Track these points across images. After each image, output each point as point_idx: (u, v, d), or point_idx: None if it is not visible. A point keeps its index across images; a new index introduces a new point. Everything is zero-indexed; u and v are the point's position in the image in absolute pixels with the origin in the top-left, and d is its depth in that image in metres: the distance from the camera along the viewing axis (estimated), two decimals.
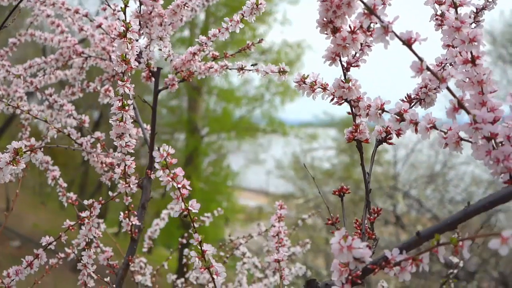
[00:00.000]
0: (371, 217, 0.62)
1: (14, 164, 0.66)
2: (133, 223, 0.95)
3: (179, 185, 0.61)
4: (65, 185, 1.09)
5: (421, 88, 0.67)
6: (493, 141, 0.52)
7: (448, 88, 0.50)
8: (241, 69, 0.93)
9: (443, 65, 0.68)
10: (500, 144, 0.51)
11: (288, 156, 10.09)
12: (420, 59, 0.50)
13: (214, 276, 0.63)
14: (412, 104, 0.67)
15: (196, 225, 0.64)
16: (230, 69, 0.96)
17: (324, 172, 10.05)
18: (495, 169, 0.50)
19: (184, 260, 1.39)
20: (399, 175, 6.79)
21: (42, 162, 1.12)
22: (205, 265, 0.64)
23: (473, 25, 0.71)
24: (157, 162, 0.60)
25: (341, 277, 0.53)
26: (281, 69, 0.82)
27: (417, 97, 0.67)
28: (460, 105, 0.51)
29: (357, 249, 0.49)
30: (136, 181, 0.89)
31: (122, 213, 0.95)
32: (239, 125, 11.37)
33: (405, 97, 0.68)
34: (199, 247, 0.63)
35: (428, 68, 0.50)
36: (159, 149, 0.60)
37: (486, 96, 0.53)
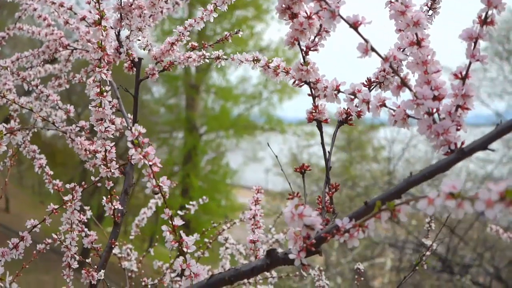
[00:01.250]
0: (330, 192, 0.66)
1: None
2: (116, 207, 0.99)
3: (151, 163, 0.65)
4: (51, 172, 1.13)
5: (380, 71, 0.71)
6: (436, 116, 0.56)
7: (391, 67, 0.54)
8: (217, 58, 0.97)
9: (401, 49, 0.72)
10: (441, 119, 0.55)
11: (286, 153, 10.11)
12: (366, 40, 0.54)
13: (184, 249, 0.67)
14: (372, 87, 0.71)
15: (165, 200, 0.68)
16: (208, 58, 1.00)
17: (322, 169, 10.07)
18: (436, 142, 0.54)
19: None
20: (394, 170, 6.84)
21: (29, 151, 1.16)
22: (176, 239, 0.68)
23: (430, 11, 0.75)
24: (129, 141, 0.64)
25: (296, 245, 0.57)
26: (255, 58, 0.86)
27: (377, 80, 0.71)
28: (403, 83, 0.54)
29: (307, 216, 0.53)
30: (117, 166, 0.93)
31: (104, 198, 0.99)
32: (237, 123, 11.41)
33: (365, 80, 0.71)
34: (170, 222, 0.67)
35: (372, 49, 0.54)
36: (131, 129, 0.64)
37: (431, 75, 0.56)
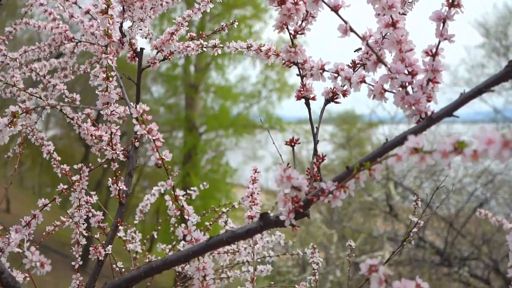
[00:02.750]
0: (318, 163, 0.73)
1: (12, 125, 0.76)
2: (121, 188, 1.06)
3: (154, 138, 0.72)
4: (59, 158, 1.20)
5: (363, 54, 0.77)
6: (410, 88, 0.62)
7: (368, 45, 0.61)
8: (214, 46, 1.04)
9: (383, 34, 0.78)
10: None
11: (285, 150, 10.14)
12: (345, 21, 0.60)
13: (186, 217, 0.74)
14: (357, 68, 0.78)
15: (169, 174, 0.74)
16: (205, 47, 1.06)
17: (323, 167, 10.15)
18: (408, 112, 0.61)
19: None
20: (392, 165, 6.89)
21: (37, 138, 1.22)
22: (178, 207, 0.74)
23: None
24: (134, 118, 0.70)
25: (286, 206, 0.63)
26: (249, 45, 0.92)
27: (361, 62, 0.77)
28: (379, 59, 0.61)
29: (295, 179, 0.60)
30: (122, 148, 1.00)
31: (110, 179, 1.05)
32: (237, 122, 11.47)
33: (350, 62, 0.78)
34: (173, 192, 0.74)
35: (351, 29, 0.60)
36: (136, 107, 0.70)
37: (405, 53, 0.63)
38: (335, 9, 0.60)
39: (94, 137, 1.11)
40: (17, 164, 1.33)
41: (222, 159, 11.58)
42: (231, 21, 1.07)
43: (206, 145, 11.52)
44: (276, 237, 1.40)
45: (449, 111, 0.57)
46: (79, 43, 1.28)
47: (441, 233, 6.63)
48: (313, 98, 0.74)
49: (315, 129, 0.74)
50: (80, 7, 1.17)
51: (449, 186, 7.06)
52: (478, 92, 0.56)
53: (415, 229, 1.14)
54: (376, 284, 0.50)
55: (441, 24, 0.61)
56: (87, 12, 1.15)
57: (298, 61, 0.71)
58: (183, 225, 0.74)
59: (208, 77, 11.72)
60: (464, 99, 0.56)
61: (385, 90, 0.64)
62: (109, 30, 0.80)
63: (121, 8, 1.04)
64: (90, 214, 1.10)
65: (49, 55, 1.28)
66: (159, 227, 1.78)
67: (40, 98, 1.07)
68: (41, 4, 1.27)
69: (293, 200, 0.63)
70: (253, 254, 0.87)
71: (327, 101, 0.77)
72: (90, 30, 1.24)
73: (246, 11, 10.94)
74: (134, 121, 0.71)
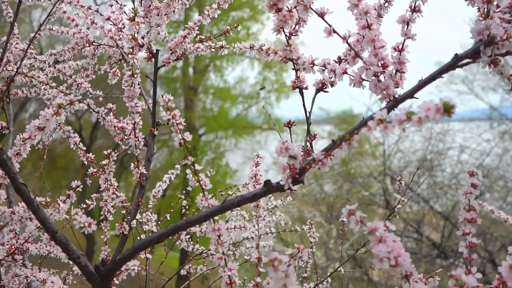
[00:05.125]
0: (310, 139, 0.89)
1: (57, 115, 0.92)
2: (142, 171, 1.22)
3: (177, 122, 0.88)
4: (84, 148, 1.36)
5: (347, 50, 0.93)
6: (382, 77, 0.79)
7: (347, 43, 0.77)
8: (221, 47, 1.20)
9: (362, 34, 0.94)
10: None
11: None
12: (329, 25, 0.77)
13: (203, 187, 0.90)
14: (342, 62, 0.94)
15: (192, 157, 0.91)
16: (213, 48, 1.22)
17: None
18: (380, 96, 0.77)
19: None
20: (388, 160, 7.07)
21: (64, 131, 1.39)
22: (197, 179, 0.90)
23: (386, 4, 0.97)
24: (161, 105, 0.87)
25: (285, 173, 0.79)
26: (251, 45, 1.09)
27: (345, 57, 0.94)
28: (356, 55, 0.77)
29: (291, 149, 0.76)
30: (143, 136, 1.16)
31: (132, 164, 1.21)
32: (236, 123, 11.63)
33: (337, 58, 0.94)
34: (193, 167, 0.90)
35: (334, 31, 0.76)
36: (162, 96, 0.86)
37: (378, 50, 0.79)
38: (321, 15, 0.76)
39: (116, 128, 1.27)
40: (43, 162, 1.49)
41: (222, 160, 11.73)
42: (235, 25, 1.24)
43: (205, 146, 11.68)
44: (277, 217, 1.56)
45: (410, 94, 0.73)
46: (99, 46, 1.44)
47: (438, 228, 6.80)
48: (306, 88, 0.90)
49: (307, 113, 0.91)
50: (101, 14, 1.33)
51: (445, 182, 7.25)
52: (432, 78, 0.72)
53: (399, 206, 1.30)
54: (354, 224, 0.66)
55: (406, 26, 0.78)
56: (108, 19, 1.31)
57: (293, 58, 0.87)
58: (200, 194, 0.90)
59: (207, 79, 11.89)
60: (422, 84, 0.73)
61: (362, 79, 0.80)
62: (135, 34, 0.96)
63: (143, 15, 1.20)
64: (114, 196, 1.26)
65: (72, 57, 1.44)
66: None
67: (69, 94, 1.23)
68: (65, 12, 1.43)
69: (291, 168, 0.79)
70: (257, 219, 1.03)
71: (318, 91, 0.93)
72: (109, 34, 1.40)
73: (243, 13, 11.11)
74: (162, 108, 0.87)
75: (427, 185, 6.68)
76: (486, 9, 0.69)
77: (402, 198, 1.30)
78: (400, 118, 0.60)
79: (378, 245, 0.64)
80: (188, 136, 0.88)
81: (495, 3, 0.69)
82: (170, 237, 1.78)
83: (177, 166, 1.84)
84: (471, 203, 0.74)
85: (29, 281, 1.01)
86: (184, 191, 1.74)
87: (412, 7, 0.77)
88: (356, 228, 0.66)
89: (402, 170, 6.70)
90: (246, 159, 12.46)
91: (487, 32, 0.69)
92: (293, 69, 0.89)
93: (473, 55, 0.70)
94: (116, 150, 1.21)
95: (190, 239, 1.81)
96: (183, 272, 1.69)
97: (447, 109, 0.54)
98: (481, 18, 0.69)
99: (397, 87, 0.78)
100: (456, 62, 0.71)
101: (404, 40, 0.78)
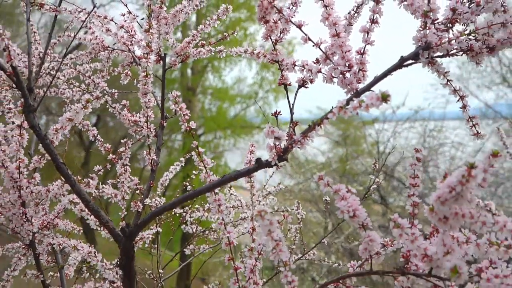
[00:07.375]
0: (293, 125, 1.10)
1: (85, 108, 1.13)
2: (153, 158, 1.42)
3: (184, 113, 1.08)
4: (101, 139, 1.56)
5: (321, 54, 1.14)
6: (348, 75, 0.99)
7: (319, 48, 0.98)
8: (220, 51, 1.41)
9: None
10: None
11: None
12: (305, 34, 0.97)
13: (206, 165, 1.11)
14: (318, 64, 1.14)
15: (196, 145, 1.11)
16: (213, 52, 1.43)
17: (318, 165, 10.50)
18: (346, 90, 0.98)
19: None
20: (381, 156, 7.28)
21: (83, 125, 1.59)
22: (200, 159, 1.11)
23: (355, 14, 1.18)
24: (170, 100, 1.07)
25: (272, 152, 1.00)
26: (245, 50, 1.29)
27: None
28: (327, 57, 0.98)
29: (276, 132, 0.96)
30: (154, 127, 1.36)
31: (145, 151, 1.42)
32: (234, 123, 11.83)
33: (315, 59, 1.15)
34: (197, 150, 1.11)
35: (309, 39, 0.97)
36: (171, 92, 1.07)
37: (345, 53, 1.00)
38: (299, 26, 0.97)
39: (130, 121, 1.48)
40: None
41: (221, 160, 11.91)
42: (232, 31, 1.44)
43: (204, 146, 11.86)
44: (270, 200, 1.77)
45: (368, 87, 0.94)
46: (113, 51, 1.64)
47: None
48: (289, 84, 1.11)
49: (291, 105, 1.11)
50: (116, 23, 1.53)
51: (439, 177, 7.45)
52: (384, 75, 0.93)
53: (374, 186, 1.50)
54: (322, 186, 0.86)
55: (366, 34, 0.98)
56: (122, 27, 1.51)
57: (278, 60, 1.08)
58: (204, 171, 1.11)
59: (205, 80, 12.08)
60: (377, 80, 0.93)
61: (333, 77, 1.01)
62: (150, 43, 1.17)
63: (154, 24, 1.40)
64: (129, 179, 1.46)
65: (90, 60, 1.65)
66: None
67: (90, 92, 1.43)
68: (83, 21, 1.63)
69: (276, 148, 1.00)
70: (252, 196, 1.23)
71: (299, 86, 1.14)
72: (122, 40, 1.60)
73: (240, 14, 11.31)
74: (171, 102, 1.08)
75: (421, 180, 6.88)
76: (424, 22, 0.90)
77: (378, 180, 1.50)
78: (354, 105, 0.81)
79: (341, 201, 0.84)
80: (193, 124, 1.09)
81: (431, 17, 0.90)
82: (177, 219, 2.00)
83: (182, 159, 2.04)
84: (415, 172, 0.95)
85: (61, 247, 1.21)
86: (187, 180, 1.94)
87: (371, 20, 0.98)
88: (324, 189, 0.86)
89: (395, 167, 6.92)
90: (244, 158, 12.54)
91: (424, 39, 0.89)
92: (278, 69, 1.10)
93: (414, 57, 0.90)
94: (117, 149, 1.42)
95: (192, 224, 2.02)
96: (187, 251, 1.89)
97: (384, 98, 0.75)
98: (420, 29, 0.90)
99: (359, 83, 0.98)
100: (402, 62, 0.92)
101: (365, 45, 0.99)
